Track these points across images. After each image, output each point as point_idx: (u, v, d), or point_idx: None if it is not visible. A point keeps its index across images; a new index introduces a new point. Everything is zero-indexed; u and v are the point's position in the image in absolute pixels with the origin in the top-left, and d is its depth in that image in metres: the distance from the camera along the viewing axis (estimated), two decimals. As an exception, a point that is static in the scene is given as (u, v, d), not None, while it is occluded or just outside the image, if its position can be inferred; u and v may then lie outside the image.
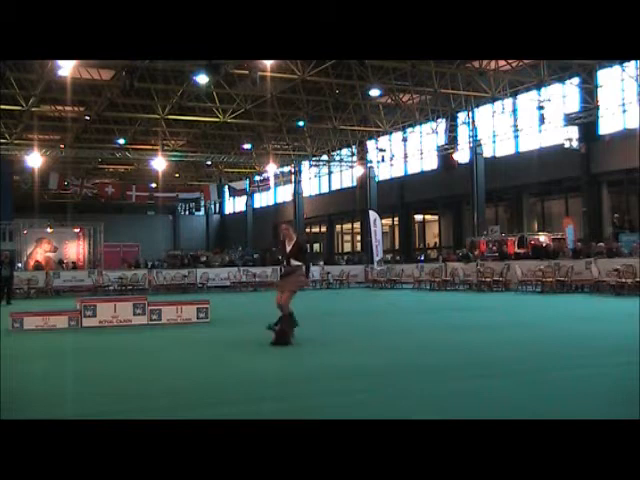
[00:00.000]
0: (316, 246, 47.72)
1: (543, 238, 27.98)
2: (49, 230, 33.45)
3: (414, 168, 38.58)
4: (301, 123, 35.77)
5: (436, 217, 39.53)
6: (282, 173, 45.06)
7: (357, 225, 43.44)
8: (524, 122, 30.73)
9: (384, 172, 40.42)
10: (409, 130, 36.26)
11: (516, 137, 31.84)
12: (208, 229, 60.51)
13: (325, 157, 42.02)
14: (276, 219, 51.40)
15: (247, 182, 44.56)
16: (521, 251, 26.91)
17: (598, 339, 9.45)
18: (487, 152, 33.15)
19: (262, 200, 53.90)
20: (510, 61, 26.84)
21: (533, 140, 30.99)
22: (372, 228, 31.48)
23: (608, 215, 28.42)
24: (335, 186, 45.74)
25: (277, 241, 30.13)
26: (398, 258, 35.91)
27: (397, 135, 37.30)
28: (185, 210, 61.47)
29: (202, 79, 23.64)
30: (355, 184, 40.88)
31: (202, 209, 60.57)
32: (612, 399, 5.37)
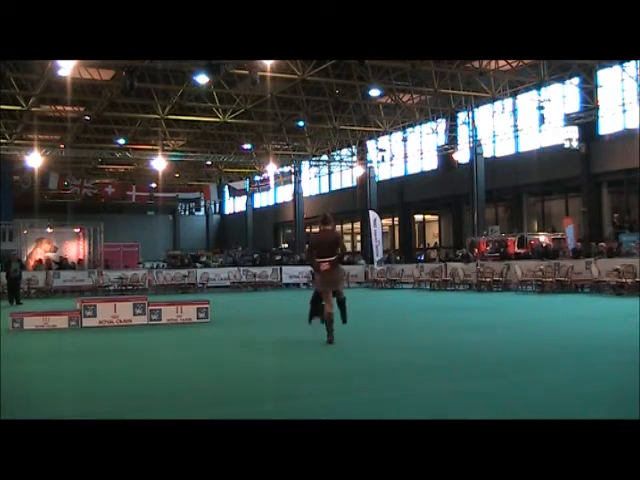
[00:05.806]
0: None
1: (543, 238, 27.96)
2: (49, 230, 33.42)
3: (414, 168, 38.57)
4: (301, 123, 35.76)
5: (436, 217, 39.52)
6: (282, 173, 45.03)
7: (357, 225, 43.43)
8: (524, 122, 30.70)
9: (384, 172, 40.39)
10: (409, 130, 36.26)
11: (516, 137, 31.82)
12: (208, 229, 60.50)
13: (325, 157, 42.01)
14: (276, 219, 51.43)
15: (247, 182, 44.56)
16: (521, 251, 26.90)
17: (598, 339, 9.45)
18: (487, 152, 33.15)
19: (262, 200, 53.88)
20: (510, 61, 26.83)
21: (533, 140, 30.96)
22: (372, 228, 31.47)
23: (608, 215, 28.40)
24: (335, 186, 45.72)
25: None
26: (398, 258, 35.90)
27: (397, 135, 37.28)
28: (185, 210, 61.44)
29: (202, 79, 23.64)
30: (355, 184, 40.87)
31: (202, 209, 60.52)
32: (612, 399, 5.36)
